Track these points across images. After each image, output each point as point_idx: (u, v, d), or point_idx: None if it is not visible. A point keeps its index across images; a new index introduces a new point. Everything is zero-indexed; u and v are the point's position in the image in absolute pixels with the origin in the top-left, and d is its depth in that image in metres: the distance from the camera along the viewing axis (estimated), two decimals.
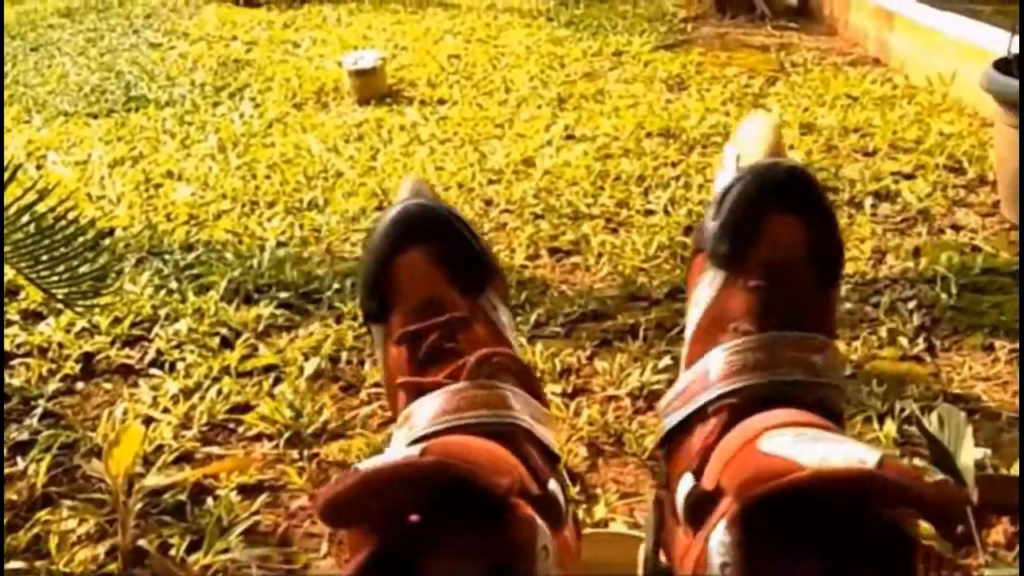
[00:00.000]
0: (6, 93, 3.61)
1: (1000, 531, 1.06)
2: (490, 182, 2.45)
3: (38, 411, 1.56)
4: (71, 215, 1.40)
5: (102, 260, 1.56)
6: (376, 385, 1.58)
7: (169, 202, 2.44)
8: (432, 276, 0.71)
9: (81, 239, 1.38)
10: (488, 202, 2.33)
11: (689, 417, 0.65)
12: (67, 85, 3.73)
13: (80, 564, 1.23)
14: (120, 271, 2.01)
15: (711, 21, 4.10)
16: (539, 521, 0.56)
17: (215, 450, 1.46)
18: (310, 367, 1.63)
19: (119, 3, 5.33)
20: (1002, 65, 2.02)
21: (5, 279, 1.84)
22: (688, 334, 0.70)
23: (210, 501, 1.33)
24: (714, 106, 2.92)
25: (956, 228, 2.05)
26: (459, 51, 3.84)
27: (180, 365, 1.68)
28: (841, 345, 1.63)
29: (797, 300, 0.66)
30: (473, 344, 0.68)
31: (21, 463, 1.42)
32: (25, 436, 1.49)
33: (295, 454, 1.43)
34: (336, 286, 1.92)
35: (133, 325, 1.81)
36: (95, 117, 3.27)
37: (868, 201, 2.17)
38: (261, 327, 1.79)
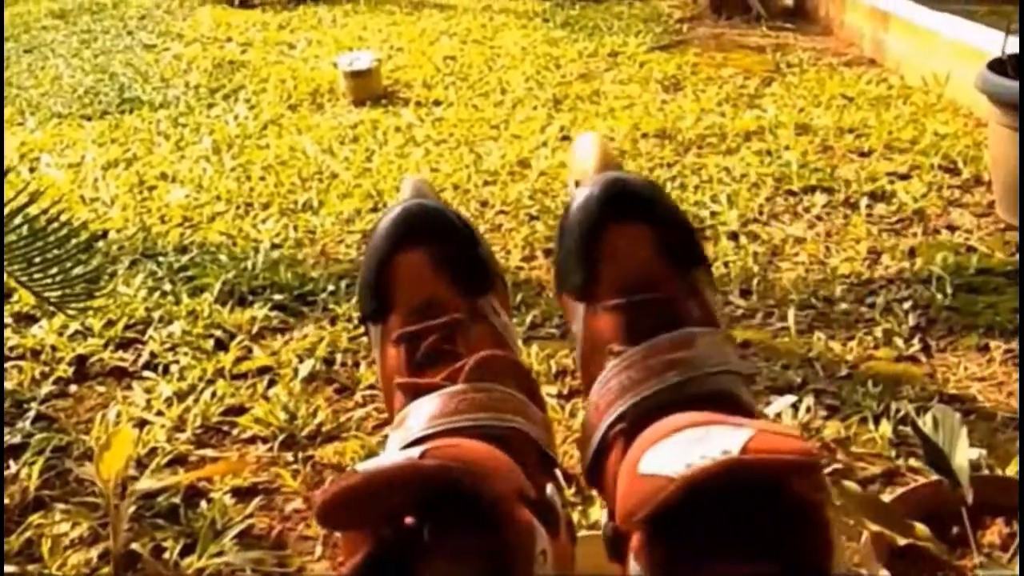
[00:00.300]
0: None
1: (995, 532, 1.05)
2: (486, 183, 2.45)
3: (31, 414, 1.55)
4: (64, 217, 1.39)
5: (95, 262, 1.56)
6: (371, 387, 1.58)
7: (163, 204, 2.44)
8: (432, 277, 0.70)
9: (74, 241, 1.37)
10: (484, 203, 2.33)
11: (598, 450, 0.64)
12: (61, 87, 3.72)
13: (73, 568, 1.23)
14: (114, 273, 2.00)
15: (707, 22, 4.10)
16: (538, 525, 0.55)
17: (209, 453, 1.46)
18: (304, 369, 1.63)
19: (113, 5, 5.31)
20: (996, 66, 2.03)
21: None
22: (580, 372, 0.71)
23: (204, 504, 1.33)
24: (710, 107, 2.92)
25: (951, 228, 2.05)
26: (455, 52, 3.84)
27: (174, 368, 1.67)
28: (837, 346, 1.63)
29: (661, 301, 0.66)
30: (472, 347, 0.68)
31: (14, 466, 1.42)
32: (18, 439, 1.49)
33: (289, 457, 1.43)
34: (331, 288, 1.92)
35: (127, 328, 1.81)
36: (89, 119, 3.26)
37: (864, 201, 2.17)
38: (255, 329, 1.78)
